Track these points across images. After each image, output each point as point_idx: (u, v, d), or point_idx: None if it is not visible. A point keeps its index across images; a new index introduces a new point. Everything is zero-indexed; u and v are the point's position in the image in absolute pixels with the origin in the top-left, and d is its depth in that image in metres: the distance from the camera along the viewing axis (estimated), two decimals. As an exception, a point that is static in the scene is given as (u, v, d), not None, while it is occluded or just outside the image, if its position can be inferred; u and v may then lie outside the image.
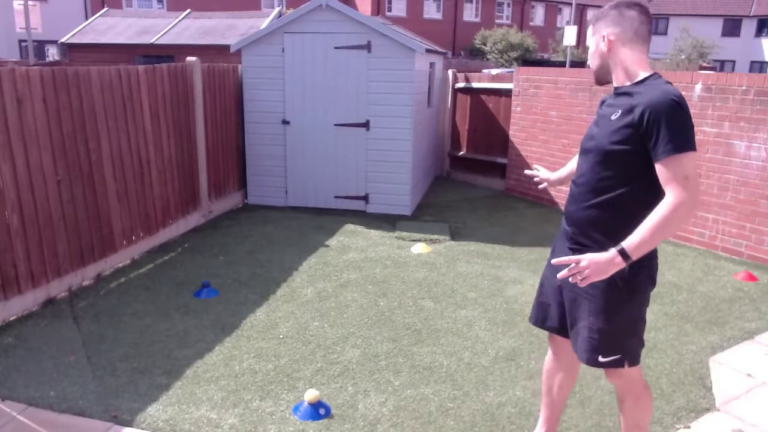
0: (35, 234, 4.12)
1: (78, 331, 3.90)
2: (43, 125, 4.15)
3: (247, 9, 18.31)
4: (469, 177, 9.10)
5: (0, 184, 3.82)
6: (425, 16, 31.32)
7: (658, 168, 2.00)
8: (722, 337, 4.01)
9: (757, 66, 38.04)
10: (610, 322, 2.18)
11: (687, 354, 3.76)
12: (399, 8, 30.42)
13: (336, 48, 6.64)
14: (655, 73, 2.13)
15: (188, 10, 13.03)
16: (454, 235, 6.24)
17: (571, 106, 7.27)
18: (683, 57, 30.07)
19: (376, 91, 6.66)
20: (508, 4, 34.52)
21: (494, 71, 15.39)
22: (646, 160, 2.03)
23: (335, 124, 6.85)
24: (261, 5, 27.50)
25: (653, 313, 4.26)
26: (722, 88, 5.69)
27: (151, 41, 11.64)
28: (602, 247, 2.07)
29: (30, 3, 21.17)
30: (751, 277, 5.12)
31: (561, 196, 7.53)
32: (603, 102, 2.31)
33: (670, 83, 2.08)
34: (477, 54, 29.05)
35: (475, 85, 8.79)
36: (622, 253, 1.99)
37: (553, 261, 2.14)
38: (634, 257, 2.00)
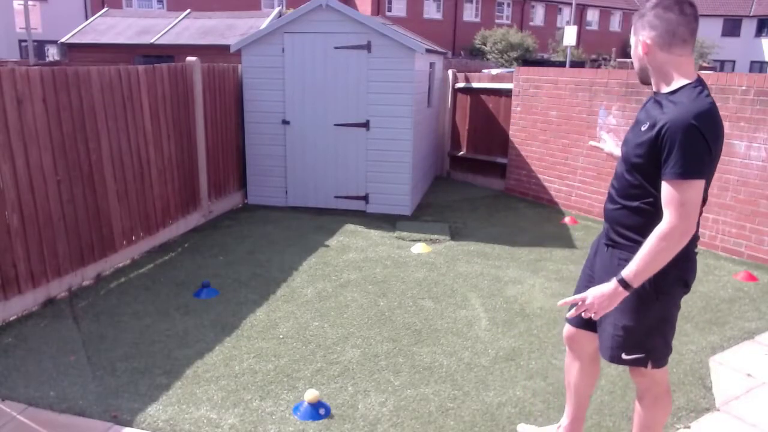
0: (35, 234, 4.12)
1: (78, 331, 3.90)
2: (43, 125, 4.15)
3: (247, 9, 18.32)
4: (469, 177, 9.10)
5: (0, 184, 3.82)
6: (425, 16, 31.32)
7: (663, 186, 2.01)
8: (722, 337, 4.01)
9: (757, 66, 38.07)
10: (635, 321, 2.20)
11: (687, 354, 3.76)
12: (399, 8, 30.41)
13: (336, 48, 6.64)
14: (694, 81, 2.06)
15: (188, 10, 13.04)
16: (454, 235, 6.24)
17: (571, 106, 7.27)
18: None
19: (376, 91, 6.65)
20: (508, 4, 34.51)
21: (494, 71, 15.40)
22: None
23: (335, 124, 6.85)
24: (261, 5, 27.50)
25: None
26: (722, 88, 5.69)
27: (151, 41, 11.64)
28: (635, 245, 2.09)
29: (30, 3, 21.18)
30: (751, 277, 5.12)
31: (561, 196, 7.53)
32: (647, 102, 2.24)
33: (708, 93, 2.03)
34: (477, 54, 29.05)
35: (475, 85, 8.79)
36: (623, 282, 2.03)
37: (559, 303, 2.21)
38: (635, 285, 2.03)
